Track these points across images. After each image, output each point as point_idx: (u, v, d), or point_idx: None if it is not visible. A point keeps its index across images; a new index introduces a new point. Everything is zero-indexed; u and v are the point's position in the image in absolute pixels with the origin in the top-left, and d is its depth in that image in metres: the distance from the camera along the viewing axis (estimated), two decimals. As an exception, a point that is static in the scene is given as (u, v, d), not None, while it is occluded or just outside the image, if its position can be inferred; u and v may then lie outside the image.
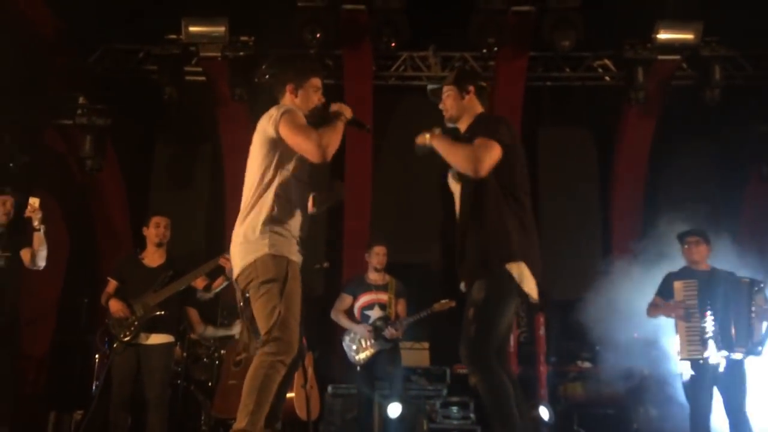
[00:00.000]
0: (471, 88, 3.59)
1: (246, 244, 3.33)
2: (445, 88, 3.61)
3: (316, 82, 3.62)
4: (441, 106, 3.64)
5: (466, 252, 3.40)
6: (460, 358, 3.27)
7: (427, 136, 3.52)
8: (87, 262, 7.89)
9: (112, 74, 8.20)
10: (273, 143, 3.42)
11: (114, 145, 8.07)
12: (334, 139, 3.36)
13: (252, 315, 3.36)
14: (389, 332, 5.88)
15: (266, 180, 3.40)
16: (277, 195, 3.36)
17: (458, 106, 3.57)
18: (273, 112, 3.44)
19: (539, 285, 3.32)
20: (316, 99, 3.60)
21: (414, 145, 3.61)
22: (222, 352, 6.32)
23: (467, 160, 3.32)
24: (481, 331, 3.24)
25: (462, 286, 3.46)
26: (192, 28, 7.39)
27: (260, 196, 3.38)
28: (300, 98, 3.57)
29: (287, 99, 3.58)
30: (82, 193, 8.14)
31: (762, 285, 4.99)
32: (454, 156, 3.39)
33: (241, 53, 7.61)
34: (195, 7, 7.41)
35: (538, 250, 3.40)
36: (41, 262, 5.38)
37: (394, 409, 5.82)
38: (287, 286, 3.27)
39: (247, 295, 3.37)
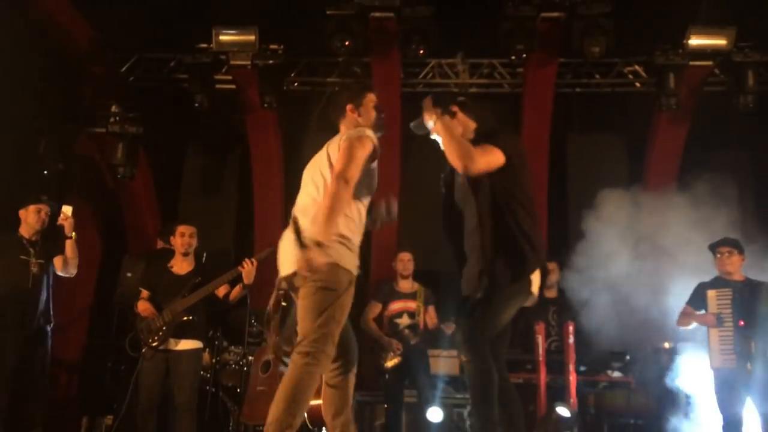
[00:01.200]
0: (454, 108, 3.61)
1: (316, 247, 3.23)
2: (432, 123, 3.58)
3: (372, 97, 3.66)
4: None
5: (477, 263, 3.44)
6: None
7: (434, 117, 3.50)
8: (119, 268, 7.99)
9: (145, 83, 8.34)
10: None
11: (146, 153, 8.18)
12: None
13: (285, 317, 3.39)
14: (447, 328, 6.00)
15: None
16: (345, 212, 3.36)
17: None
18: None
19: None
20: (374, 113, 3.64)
21: (418, 119, 3.61)
22: (250, 358, 6.35)
23: (463, 155, 3.36)
24: (484, 315, 3.35)
25: (465, 290, 3.50)
26: (222, 37, 7.49)
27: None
28: (362, 116, 3.60)
29: (349, 119, 3.61)
30: (114, 200, 8.26)
31: None
32: (450, 146, 3.42)
33: (271, 61, 7.69)
34: (225, 15, 7.50)
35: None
36: (73, 270, 5.46)
37: (435, 414, 5.80)
38: (343, 298, 3.28)
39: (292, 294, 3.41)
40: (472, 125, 3.63)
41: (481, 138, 3.53)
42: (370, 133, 3.41)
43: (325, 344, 3.21)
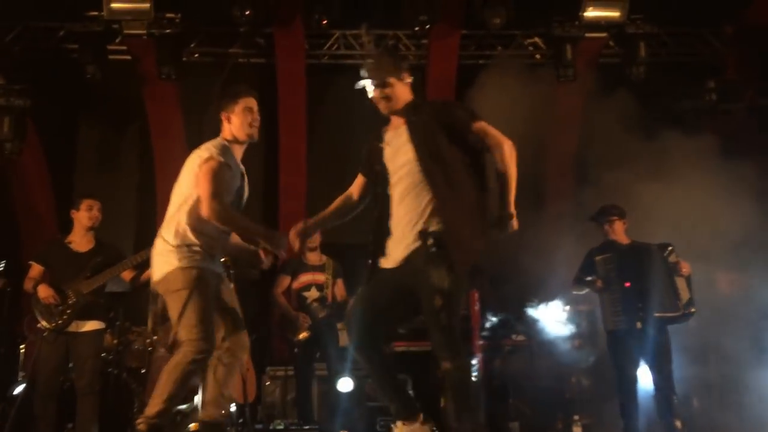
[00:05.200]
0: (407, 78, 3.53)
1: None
2: (391, 79, 3.44)
3: (246, 101, 3.82)
4: (381, 97, 3.46)
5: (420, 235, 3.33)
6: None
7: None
8: (8, 249, 7.57)
9: (32, 53, 7.86)
10: None
11: (36, 127, 7.74)
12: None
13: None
14: None
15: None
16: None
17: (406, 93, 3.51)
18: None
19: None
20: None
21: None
22: (155, 338, 6.18)
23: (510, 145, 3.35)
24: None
25: (392, 260, 3.41)
26: (114, 5, 7.12)
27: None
28: (233, 124, 3.82)
29: (224, 127, 3.84)
30: (2, 177, 7.80)
31: (671, 248, 5.20)
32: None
33: (168, 30, 7.40)
34: (117, -19, 7.15)
35: None
36: None
37: (346, 384, 5.82)
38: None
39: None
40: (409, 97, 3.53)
41: (459, 110, 3.51)
42: (212, 153, 3.65)
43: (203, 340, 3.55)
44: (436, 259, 3.19)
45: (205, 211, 3.56)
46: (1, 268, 5.65)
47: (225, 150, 3.71)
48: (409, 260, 3.32)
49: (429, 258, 3.21)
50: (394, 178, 3.42)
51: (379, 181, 3.49)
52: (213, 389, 3.74)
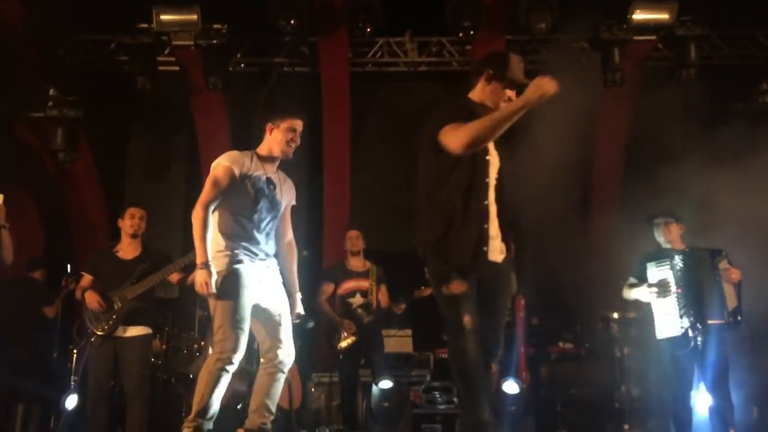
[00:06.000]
0: None
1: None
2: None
3: (292, 122, 3.89)
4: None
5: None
6: (492, 348, 3.25)
7: None
8: (63, 257, 7.77)
9: (84, 66, 8.09)
10: None
11: (87, 138, 7.95)
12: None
13: None
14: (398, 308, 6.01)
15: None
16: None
17: None
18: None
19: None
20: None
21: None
22: (202, 343, 6.25)
23: None
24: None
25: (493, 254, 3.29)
26: (163, 17, 7.29)
27: None
28: (273, 137, 3.91)
29: (265, 136, 3.94)
30: (56, 186, 8.02)
31: (723, 253, 5.04)
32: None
33: (215, 41, 7.51)
34: (165, -6, 7.31)
35: None
36: (8, 259, 5.26)
37: (385, 384, 5.83)
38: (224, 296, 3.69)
39: None
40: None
41: None
42: (221, 160, 3.78)
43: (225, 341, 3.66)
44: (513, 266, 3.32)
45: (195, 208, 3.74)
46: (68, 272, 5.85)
47: (240, 158, 3.81)
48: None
49: (511, 263, 3.32)
50: (493, 172, 3.35)
51: (482, 161, 3.31)
52: (256, 398, 3.80)
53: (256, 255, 3.82)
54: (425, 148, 3.28)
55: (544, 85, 2.98)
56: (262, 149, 3.94)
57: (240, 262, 3.75)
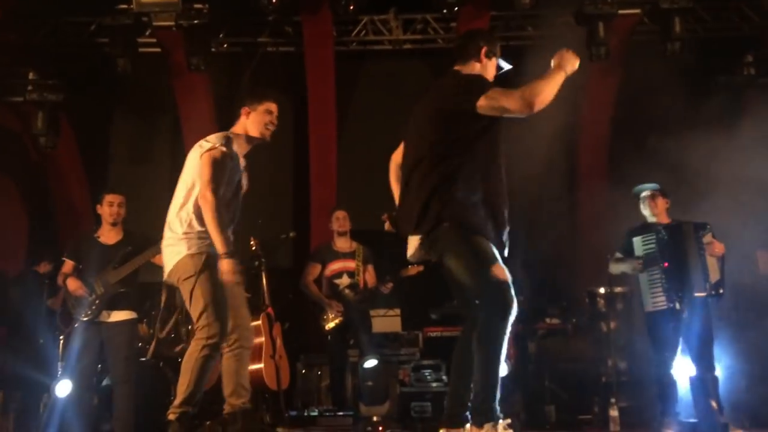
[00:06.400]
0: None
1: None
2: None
3: (268, 105, 3.94)
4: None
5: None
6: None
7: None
8: (48, 241, 7.72)
9: (64, 48, 7.96)
10: None
11: (69, 121, 7.86)
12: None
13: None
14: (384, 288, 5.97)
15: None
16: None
17: None
18: None
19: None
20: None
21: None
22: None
23: None
24: None
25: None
26: (143, -3, 7.16)
27: None
28: (251, 120, 3.93)
29: (240, 120, 3.97)
30: (39, 171, 7.94)
31: (707, 227, 5.08)
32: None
33: (196, 21, 7.40)
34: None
35: None
36: None
37: (370, 362, 5.83)
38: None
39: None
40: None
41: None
42: (214, 143, 3.78)
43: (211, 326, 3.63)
44: None
45: (200, 197, 3.68)
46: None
47: (228, 141, 3.83)
48: None
49: None
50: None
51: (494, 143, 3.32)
52: (229, 381, 3.83)
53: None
54: (449, 121, 3.22)
55: (575, 60, 3.20)
56: (239, 131, 3.94)
57: (212, 245, 3.73)
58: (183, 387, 3.64)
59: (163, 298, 3.92)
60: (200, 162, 3.75)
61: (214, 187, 3.67)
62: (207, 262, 3.69)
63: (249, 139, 3.95)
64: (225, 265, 3.61)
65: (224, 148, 3.76)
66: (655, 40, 7.72)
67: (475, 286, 3.15)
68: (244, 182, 3.99)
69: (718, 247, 5.06)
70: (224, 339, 3.72)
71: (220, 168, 3.72)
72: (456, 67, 3.44)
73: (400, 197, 3.42)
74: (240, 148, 3.94)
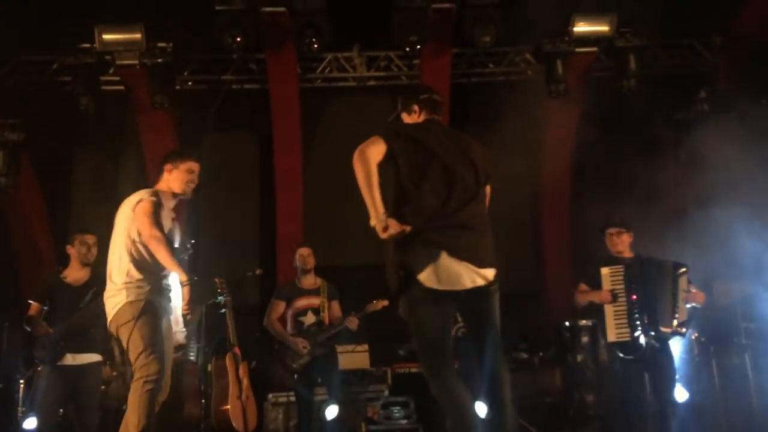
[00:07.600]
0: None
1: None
2: None
3: (190, 165, 4.18)
4: None
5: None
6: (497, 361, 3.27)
7: None
8: (7, 284, 7.56)
9: (25, 87, 7.90)
10: None
11: (31, 160, 7.76)
12: None
13: None
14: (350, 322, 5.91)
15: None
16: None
17: None
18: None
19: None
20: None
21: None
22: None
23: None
24: None
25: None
26: (106, 36, 7.17)
27: None
28: (173, 177, 4.15)
29: (163, 176, 4.17)
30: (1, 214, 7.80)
31: (684, 269, 5.13)
32: None
33: (160, 60, 7.42)
34: (108, 13, 7.18)
35: None
36: None
37: (331, 412, 5.75)
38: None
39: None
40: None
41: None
42: (143, 196, 3.99)
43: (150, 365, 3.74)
44: None
45: (146, 238, 3.84)
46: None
47: (156, 194, 4.04)
48: None
49: None
50: None
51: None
52: None
53: (165, 288, 4.04)
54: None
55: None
56: (163, 187, 4.15)
57: (152, 292, 3.92)
58: (135, 422, 3.71)
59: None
60: (134, 214, 3.94)
61: (158, 225, 3.87)
62: (144, 309, 3.84)
63: (173, 194, 4.15)
64: (185, 292, 3.82)
65: (154, 198, 3.97)
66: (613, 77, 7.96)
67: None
68: (177, 235, 4.17)
69: (700, 297, 5.16)
70: (164, 376, 3.83)
71: (156, 212, 3.93)
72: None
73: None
74: (166, 202, 4.12)
